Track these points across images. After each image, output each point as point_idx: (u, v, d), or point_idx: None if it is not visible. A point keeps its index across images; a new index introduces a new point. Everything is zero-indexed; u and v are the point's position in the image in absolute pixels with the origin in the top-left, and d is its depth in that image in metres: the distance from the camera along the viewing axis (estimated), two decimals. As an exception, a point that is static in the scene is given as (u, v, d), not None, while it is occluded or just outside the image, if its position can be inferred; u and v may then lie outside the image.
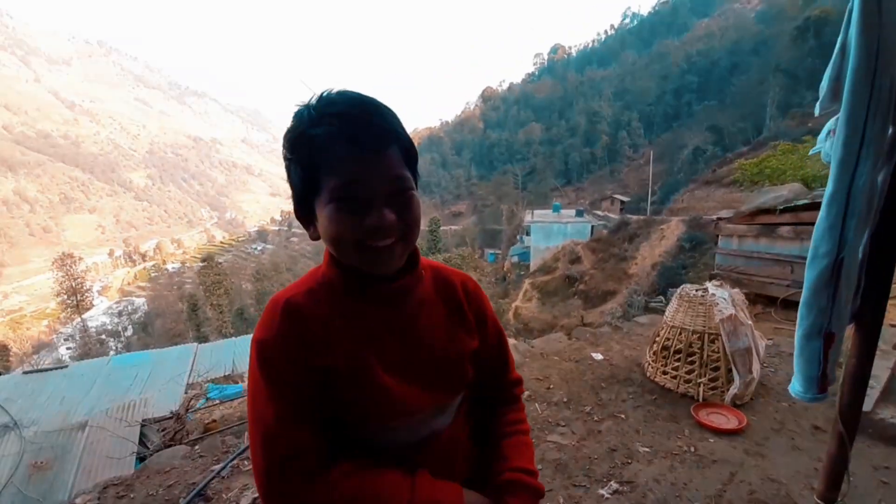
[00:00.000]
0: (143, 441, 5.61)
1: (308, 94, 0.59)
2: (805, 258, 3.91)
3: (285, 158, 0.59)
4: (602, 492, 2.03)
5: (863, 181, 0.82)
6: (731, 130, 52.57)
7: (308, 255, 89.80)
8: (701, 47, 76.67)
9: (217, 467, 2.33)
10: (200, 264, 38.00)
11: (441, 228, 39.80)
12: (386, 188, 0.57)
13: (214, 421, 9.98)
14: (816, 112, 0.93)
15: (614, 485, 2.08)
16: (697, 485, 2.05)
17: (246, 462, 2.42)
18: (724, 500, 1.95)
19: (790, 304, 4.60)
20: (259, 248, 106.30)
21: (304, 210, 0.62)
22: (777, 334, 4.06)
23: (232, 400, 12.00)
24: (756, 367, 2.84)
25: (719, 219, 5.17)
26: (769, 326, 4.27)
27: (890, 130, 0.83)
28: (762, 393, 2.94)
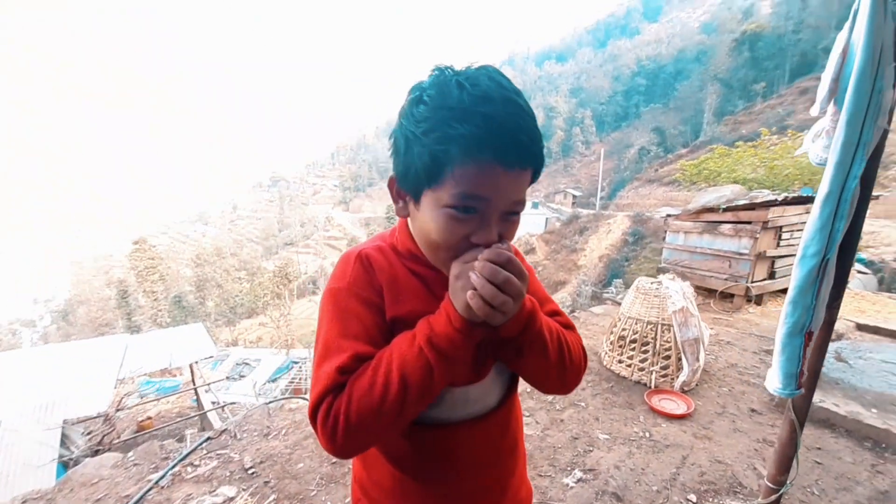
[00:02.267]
0: (65, 444, 5.03)
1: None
2: (741, 254, 4.20)
3: (408, 128, 0.55)
4: (567, 480, 2.07)
5: (854, 183, 0.84)
6: (672, 133, 56.40)
7: (255, 239, 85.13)
8: (650, 52, 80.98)
9: (155, 476, 2.10)
10: (132, 247, 34.64)
11: (398, 216, 39.20)
12: (504, 208, 0.55)
13: (150, 418, 9.23)
14: (814, 113, 0.93)
15: (578, 473, 2.12)
16: (654, 469, 2.15)
17: (189, 469, 2.20)
18: (678, 482, 2.05)
19: (726, 296, 5.01)
20: (200, 230, 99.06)
21: (407, 188, 0.59)
22: (716, 324, 4.39)
23: (169, 395, 11.20)
24: (702, 355, 3.03)
25: (668, 215, 5.48)
26: (709, 317, 4.61)
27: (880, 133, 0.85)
28: (706, 379, 3.15)
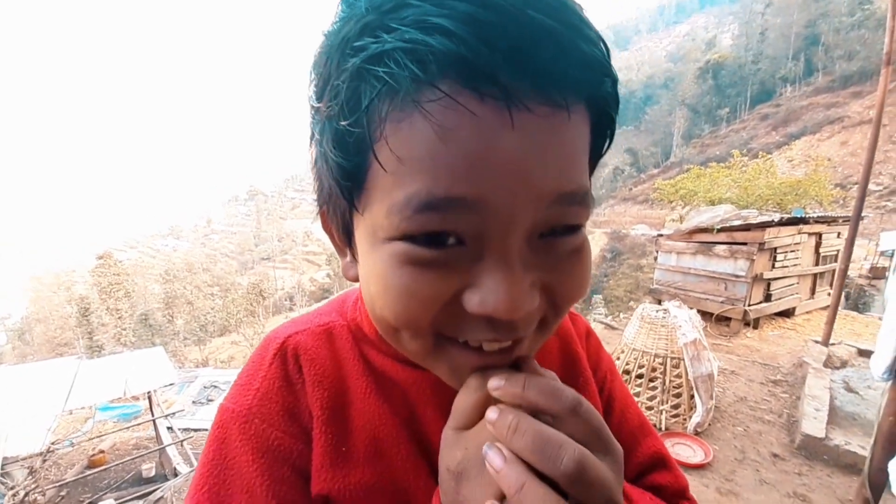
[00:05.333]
0: (4, 482, 4.32)
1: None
2: (738, 276, 3.99)
3: (311, 107, 0.28)
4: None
5: None
6: (644, 154, 58.86)
7: (231, 254, 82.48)
8: (622, 78, 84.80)
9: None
10: (96, 262, 32.82)
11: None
12: (532, 219, 0.25)
13: (102, 452, 8.36)
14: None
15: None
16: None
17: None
18: (712, 556, 1.74)
19: (721, 319, 4.84)
20: (171, 245, 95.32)
21: (338, 224, 0.32)
22: (716, 350, 4.18)
23: (129, 423, 10.25)
24: (715, 391, 2.78)
25: (660, 235, 5.33)
26: (707, 342, 4.41)
27: None
28: (717, 417, 2.89)
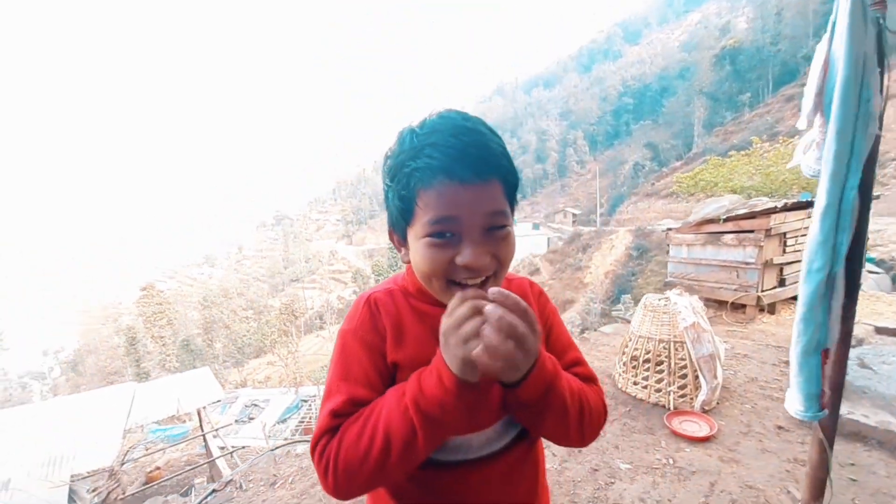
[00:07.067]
0: (73, 499, 4.86)
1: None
2: (748, 264, 4.12)
3: (385, 183, 0.61)
4: (590, 517, 1.96)
5: (853, 194, 0.82)
6: (664, 147, 57.27)
7: (262, 277, 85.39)
8: (634, 72, 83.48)
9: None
10: (140, 293, 34.79)
11: (401, 246, 39.42)
12: (481, 223, 0.55)
13: (158, 469, 8.97)
14: (802, 126, 0.93)
15: (601, 508, 2.01)
16: (681, 499, 2.03)
17: (194, 525, 2.11)
18: (709, 512, 1.93)
19: (737, 307, 4.91)
20: (206, 273, 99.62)
21: (398, 235, 0.63)
22: (731, 336, 4.28)
23: (178, 442, 10.90)
24: (720, 371, 2.93)
25: (669, 229, 5.46)
26: (722, 329, 4.50)
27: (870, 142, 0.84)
28: (726, 396, 3.03)
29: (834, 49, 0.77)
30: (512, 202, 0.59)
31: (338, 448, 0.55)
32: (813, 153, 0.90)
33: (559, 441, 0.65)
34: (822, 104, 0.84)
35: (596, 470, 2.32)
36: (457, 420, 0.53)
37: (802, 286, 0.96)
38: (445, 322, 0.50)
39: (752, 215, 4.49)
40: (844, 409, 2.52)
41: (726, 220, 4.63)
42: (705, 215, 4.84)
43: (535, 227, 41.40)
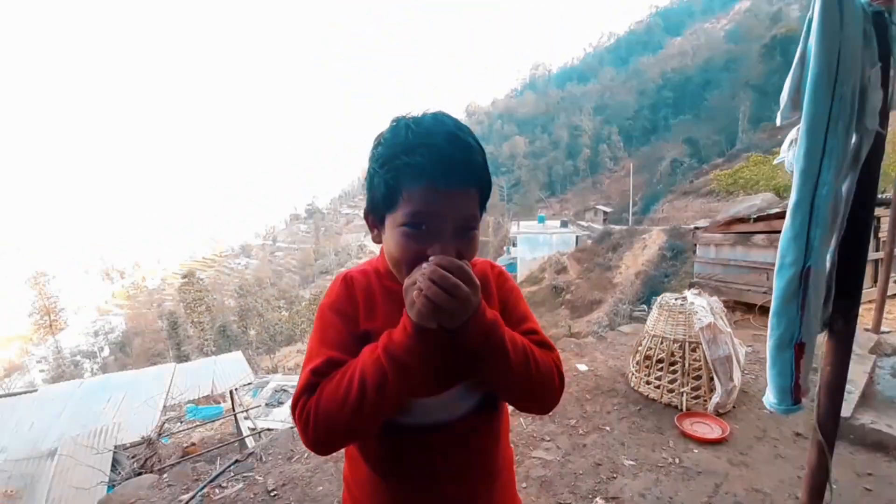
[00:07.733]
0: (116, 468, 5.33)
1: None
2: None
3: (371, 165, 0.65)
4: (588, 509, 1.99)
5: (826, 190, 0.82)
6: (706, 143, 54.52)
7: (293, 269, 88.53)
8: (675, 65, 79.74)
9: (185, 497, 2.20)
10: (181, 280, 36.94)
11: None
12: (454, 224, 0.62)
13: (194, 444, 9.57)
14: (778, 122, 0.94)
15: (600, 501, 2.03)
16: (683, 498, 2.02)
17: (217, 490, 2.30)
18: (710, 512, 1.92)
19: (767, 311, 4.69)
20: (242, 263, 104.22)
21: (375, 217, 0.69)
22: (757, 341, 4.11)
23: (213, 421, 11.58)
24: (737, 374, 2.85)
25: (696, 228, 5.27)
26: (748, 333, 4.33)
27: (854, 139, 0.84)
28: (744, 401, 2.95)
29: (809, 44, 0.77)
30: (483, 208, 0.68)
31: (317, 401, 0.61)
32: (794, 150, 0.90)
33: (511, 399, 0.71)
34: (799, 101, 0.84)
35: (599, 464, 2.34)
36: (420, 364, 0.60)
37: (775, 280, 0.96)
38: (408, 279, 0.59)
39: (783, 215, 4.27)
40: (868, 419, 2.41)
41: (757, 219, 4.43)
42: (735, 214, 4.64)
43: (564, 224, 40.53)
